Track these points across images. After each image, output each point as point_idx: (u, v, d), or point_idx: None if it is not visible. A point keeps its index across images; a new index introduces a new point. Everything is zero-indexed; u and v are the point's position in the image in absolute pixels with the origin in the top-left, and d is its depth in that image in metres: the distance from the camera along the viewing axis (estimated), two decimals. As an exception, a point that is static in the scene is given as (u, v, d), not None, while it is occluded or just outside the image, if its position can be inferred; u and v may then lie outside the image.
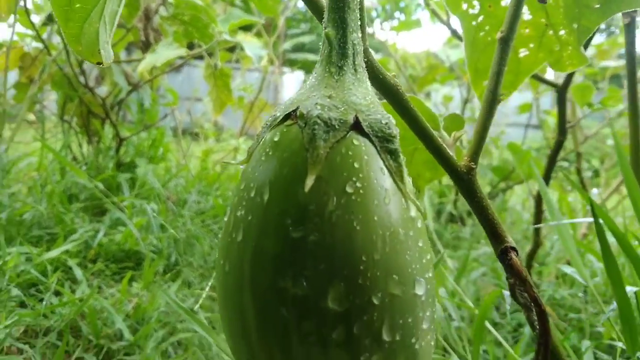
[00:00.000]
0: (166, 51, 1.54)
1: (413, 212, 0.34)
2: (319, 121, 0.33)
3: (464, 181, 0.47)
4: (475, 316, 0.82)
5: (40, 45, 1.90)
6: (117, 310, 1.06)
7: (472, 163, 0.47)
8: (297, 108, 0.34)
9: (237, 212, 0.34)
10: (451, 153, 0.47)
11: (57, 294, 1.12)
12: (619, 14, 0.58)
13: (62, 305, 1.02)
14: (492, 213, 0.47)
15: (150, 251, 1.38)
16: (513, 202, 2.63)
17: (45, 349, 0.94)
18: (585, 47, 0.96)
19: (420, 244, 0.33)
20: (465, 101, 2.52)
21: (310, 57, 10.91)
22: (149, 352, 0.94)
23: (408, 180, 0.34)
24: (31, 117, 2.30)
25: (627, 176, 0.67)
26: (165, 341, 0.99)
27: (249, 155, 0.36)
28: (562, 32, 0.60)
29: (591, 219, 0.63)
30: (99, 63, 0.44)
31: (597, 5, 0.56)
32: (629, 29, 0.73)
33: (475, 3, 0.61)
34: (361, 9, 0.38)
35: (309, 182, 0.31)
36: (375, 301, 0.30)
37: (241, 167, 0.37)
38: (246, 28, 2.30)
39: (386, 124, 0.34)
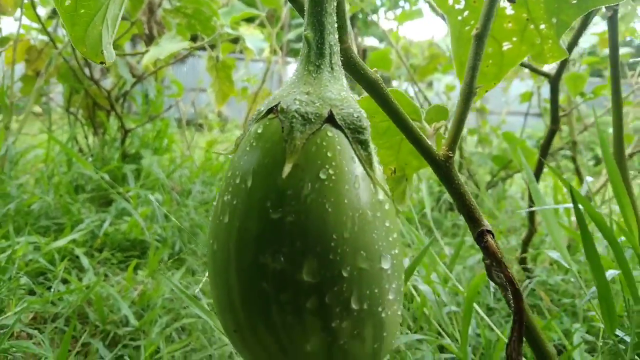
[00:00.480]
0: (169, 44, 1.56)
1: (381, 196, 0.37)
2: (297, 115, 0.37)
3: (442, 169, 0.49)
4: (467, 300, 0.85)
5: (46, 38, 1.92)
6: (123, 297, 1.09)
7: (450, 152, 0.49)
8: (279, 103, 0.38)
9: (225, 197, 0.37)
10: (430, 143, 0.49)
11: (65, 281, 1.15)
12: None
13: (69, 293, 1.06)
14: (470, 199, 0.50)
15: (155, 240, 1.41)
16: (513, 191, 2.65)
17: (54, 335, 0.97)
18: (574, 43, 0.98)
19: (387, 224, 0.37)
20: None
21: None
22: (154, 337, 0.97)
23: (378, 167, 0.38)
24: (38, 109, 2.33)
25: (608, 163, 0.70)
26: (170, 326, 1.02)
27: (236, 145, 0.40)
28: (542, 26, 0.63)
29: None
30: (102, 62, 0.48)
31: (575, 1, 0.59)
32: (611, 21, 0.75)
33: (461, -1, 0.63)
34: (340, 13, 0.42)
35: (287, 169, 0.35)
36: (345, 274, 0.34)
37: (230, 156, 0.40)
38: (249, 19, 2.31)
39: (357, 117, 0.38)
